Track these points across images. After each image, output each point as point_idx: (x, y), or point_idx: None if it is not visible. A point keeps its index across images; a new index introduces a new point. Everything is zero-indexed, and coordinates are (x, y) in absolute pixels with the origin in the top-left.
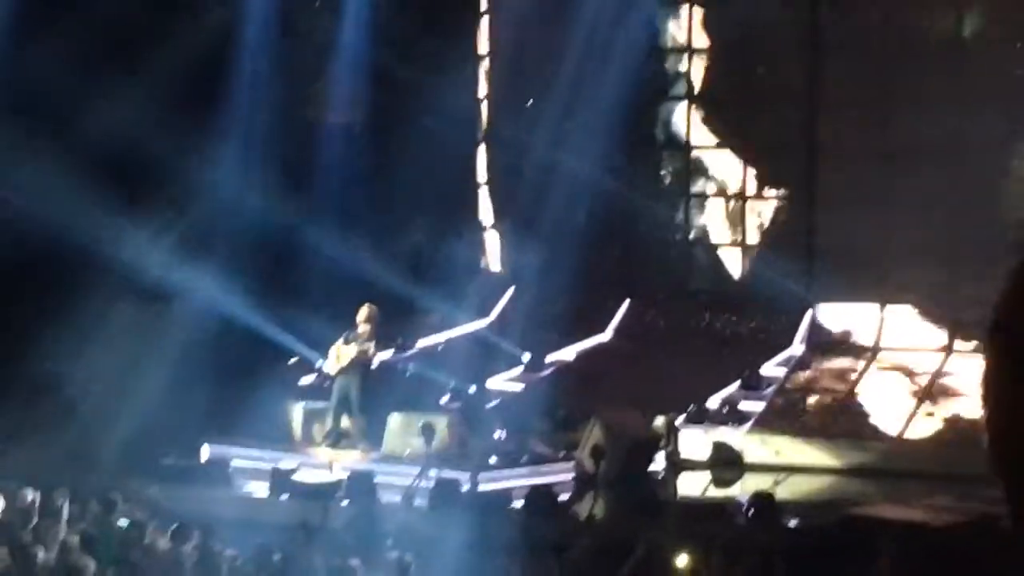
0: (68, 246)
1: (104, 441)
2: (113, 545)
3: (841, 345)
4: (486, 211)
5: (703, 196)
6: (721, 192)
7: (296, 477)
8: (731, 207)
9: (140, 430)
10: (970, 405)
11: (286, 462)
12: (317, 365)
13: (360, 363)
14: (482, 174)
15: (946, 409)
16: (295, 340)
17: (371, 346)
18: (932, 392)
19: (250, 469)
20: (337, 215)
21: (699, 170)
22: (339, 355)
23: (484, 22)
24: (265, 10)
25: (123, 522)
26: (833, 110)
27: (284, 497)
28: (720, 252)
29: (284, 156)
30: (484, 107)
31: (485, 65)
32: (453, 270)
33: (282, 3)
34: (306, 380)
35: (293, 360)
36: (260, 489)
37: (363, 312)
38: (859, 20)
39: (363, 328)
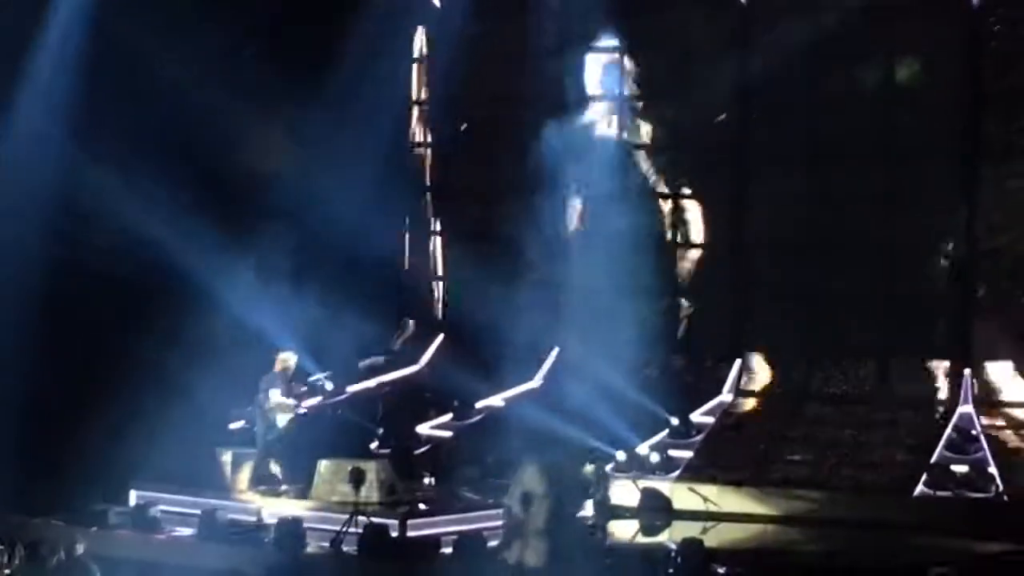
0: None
1: (33, 486)
2: None
3: (771, 393)
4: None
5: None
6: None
7: (224, 522)
8: (662, 253)
9: (69, 474)
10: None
11: (214, 507)
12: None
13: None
14: (430, 221)
15: (869, 457)
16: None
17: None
18: (858, 439)
19: (178, 514)
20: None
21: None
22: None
23: (415, 69)
24: None
25: (50, 567)
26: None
27: (212, 542)
28: (652, 301)
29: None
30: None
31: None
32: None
33: None
34: (235, 425)
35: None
36: (188, 533)
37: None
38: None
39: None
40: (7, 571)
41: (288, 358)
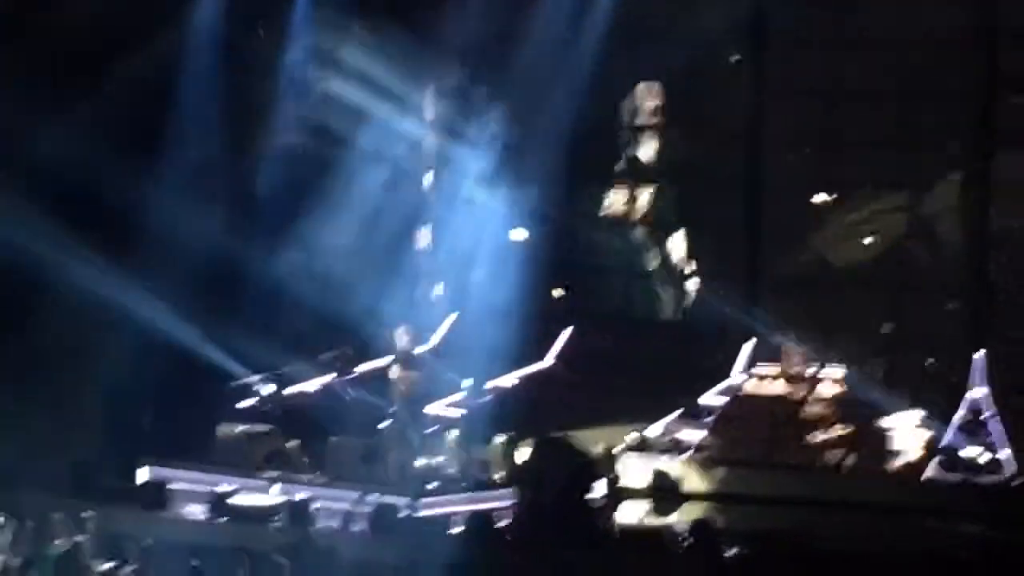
0: (6, 269)
1: (43, 462)
2: (50, 568)
3: (783, 375)
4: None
5: (646, 225)
6: (664, 223)
7: (233, 501)
8: (674, 235)
9: (78, 451)
10: (907, 437)
11: (224, 485)
12: (257, 388)
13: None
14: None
15: (887, 441)
16: (236, 362)
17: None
18: (873, 424)
19: (188, 492)
20: (279, 237)
21: (644, 201)
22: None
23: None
24: (210, 37)
25: (60, 544)
26: (778, 150)
27: (221, 520)
28: (662, 280)
29: (227, 179)
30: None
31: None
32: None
33: (226, 29)
34: (246, 403)
35: (237, 383)
36: (198, 512)
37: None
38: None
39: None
40: (15, 548)
41: (405, 334)
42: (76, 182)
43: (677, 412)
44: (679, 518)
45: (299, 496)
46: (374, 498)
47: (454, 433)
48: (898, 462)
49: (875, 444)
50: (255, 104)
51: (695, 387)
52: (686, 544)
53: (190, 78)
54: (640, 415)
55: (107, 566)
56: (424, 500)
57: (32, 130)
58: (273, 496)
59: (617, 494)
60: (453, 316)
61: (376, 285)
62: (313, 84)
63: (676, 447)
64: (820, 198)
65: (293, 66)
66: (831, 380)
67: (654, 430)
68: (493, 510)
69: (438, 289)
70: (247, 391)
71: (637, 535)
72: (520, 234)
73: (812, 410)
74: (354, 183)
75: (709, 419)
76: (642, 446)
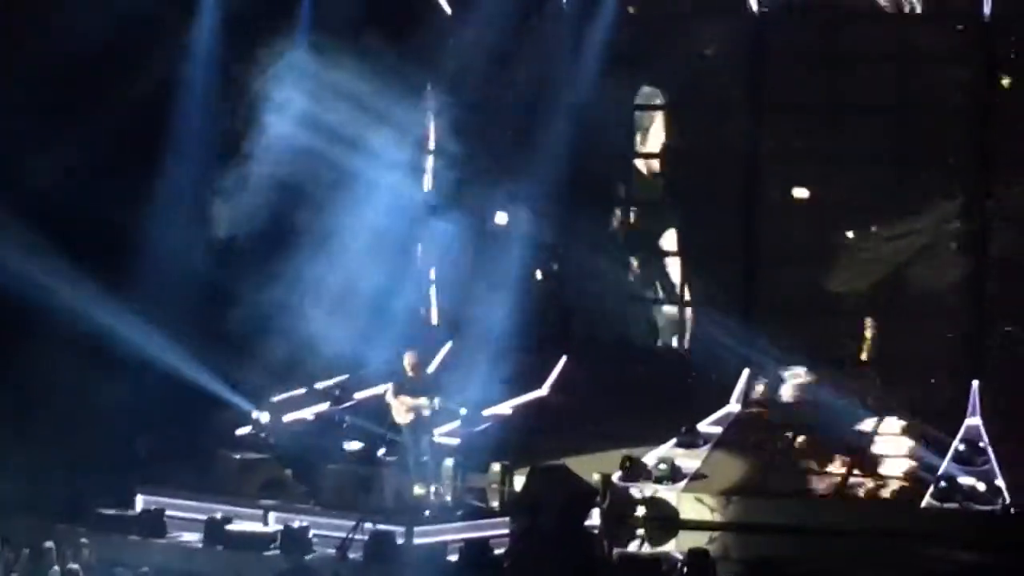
0: (4, 297)
1: (40, 489)
2: None
3: (777, 405)
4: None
5: (644, 253)
6: (661, 249)
7: (230, 528)
8: (671, 264)
9: (75, 478)
10: (899, 466)
11: (220, 513)
12: (253, 416)
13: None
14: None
15: (877, 469)
16: (231, 391)
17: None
18: (863, 451)
19: (184, 519)
20: (275, 266)
21: (640, 227)
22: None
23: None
24: (206, 62)
25: (56, 572)
26: (774, 169)
27: (218, 548)
28: (658, 308)
29: (222, 207)
30: (430, 160)
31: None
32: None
33: (222, 53)
34: (242, 431)
35: (234, 411)
36: (194, 539)
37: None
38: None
39: (413, 374)
40: (13, 574)
41: (413, 357)
42: (69, 207)
43: (674, 439)
44: (676, 545)
45: (295, 524)
46: (370, 526)
47: (451, 461)
48: (895, 489)
49: (872, 471)
50: (248, 128)
51: (692, 414)
52: (683, 571)
53: (185, 101)
54: (637, 442)
55: None
56: (421, 528)
57: (26, 155)
58: (269, 524)
59: (614, 521)
60: (449, 344)
61: (373, 311)
62: (308, 108)
63: (673, 474)
64: (817, 224)
65: (287, 90)
66: (827, 407)
67: (651, 457)
68: (490, 537)
69: (434, 316)
70: (244, 419)
71: (634, 562)
72: (516, 260)
73: (808, 438)
74: (348, 209)
75: (706, 446)
76: (638, 473)
